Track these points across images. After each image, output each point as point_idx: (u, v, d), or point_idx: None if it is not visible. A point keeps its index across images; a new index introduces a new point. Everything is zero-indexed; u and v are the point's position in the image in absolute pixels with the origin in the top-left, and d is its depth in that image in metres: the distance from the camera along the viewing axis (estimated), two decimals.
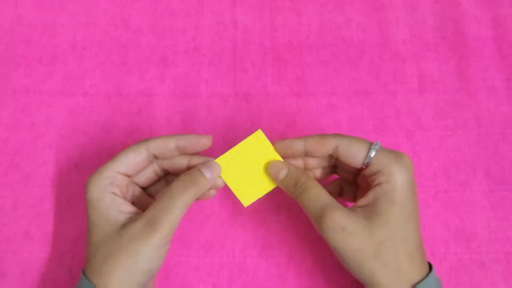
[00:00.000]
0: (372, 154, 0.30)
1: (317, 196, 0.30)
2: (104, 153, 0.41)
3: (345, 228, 0.28)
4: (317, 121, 0.43)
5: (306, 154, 0.33)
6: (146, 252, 0.29)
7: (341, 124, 0.43)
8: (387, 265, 0.28)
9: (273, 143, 0.34)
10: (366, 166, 0.31)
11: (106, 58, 0.45)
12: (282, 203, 0.40)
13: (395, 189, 0.29)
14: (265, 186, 0.35)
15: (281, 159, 0.34)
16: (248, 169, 0.34)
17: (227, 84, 0.44)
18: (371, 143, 0.30)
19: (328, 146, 0.31)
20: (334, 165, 0.35)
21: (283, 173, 0.32)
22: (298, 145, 0.32)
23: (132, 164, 0.32)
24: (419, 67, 0.45)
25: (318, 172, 0.35)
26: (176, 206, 0.30)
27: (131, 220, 0.30)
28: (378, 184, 0.30)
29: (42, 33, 0.45)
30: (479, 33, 0.46)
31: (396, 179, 0.29)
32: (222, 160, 0.34)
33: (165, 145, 0.32)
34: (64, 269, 0.38)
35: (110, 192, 0.31)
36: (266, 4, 0.47)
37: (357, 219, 0.29)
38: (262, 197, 0.39)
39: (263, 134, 0.34)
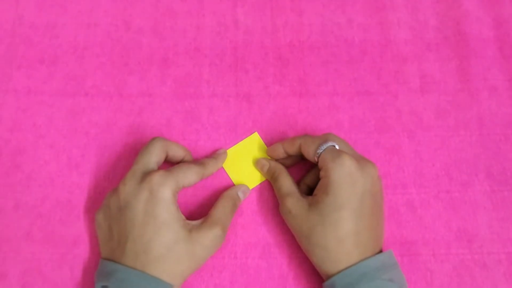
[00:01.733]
0: (319, 151, 0.35)
1: (282, 184, 0.37)
2: (106, 153, 0.41)
3: (291, 212, 0.35)
4: (318, 122, 0.43)
5: (288, 154, 0.39)
6: (208, 258, 0.35)
7: (342, 124, 0.43)
8: (316, 245, 0.34)
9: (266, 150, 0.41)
10: (318, 162, 0.35)
11: (107, 58, 0.45)
12: None
13: (329, 182, 0.33)
14: (258, 179, 0.41)
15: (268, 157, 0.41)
16: (245, 163, 0.41)
17: (228, 85, 0.44)
18: (324, 143, 0.35)
19: (296, 145, 0.37)
20: None
21: (266, 167, 0.40)
22: (279, 148, 0.39)
23: (191, 183, 0.36)
24: (421, 67, 0.45)
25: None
26: (229, 222, 0.37)
27: (194, 227, 0.34)
28: (321, 178, 0.35)
29: (43, 33, 0.45)
30: (481, 33, 0.46)
31: (330, 174, 0.33)
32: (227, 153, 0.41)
33: (212, 172, 0.39)
34: (65, 270, 0.38)
35: (176, 197, 0.34)
36: (267, 5, 0.47)
37: (302, 205, 0.35)
38: (263, 198, 0.40)
39: (259, 136, 0.42)
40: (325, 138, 0.36)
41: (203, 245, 0.34)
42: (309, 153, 0.36)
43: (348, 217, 0.33)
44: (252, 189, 0.41)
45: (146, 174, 0.34)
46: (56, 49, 0.45)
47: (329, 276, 0.33)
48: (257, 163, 0.41)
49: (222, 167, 0.41)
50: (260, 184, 0.41)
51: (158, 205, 0.33)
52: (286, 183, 0.37)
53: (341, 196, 0.33)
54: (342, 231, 0.33)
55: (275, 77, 0.44)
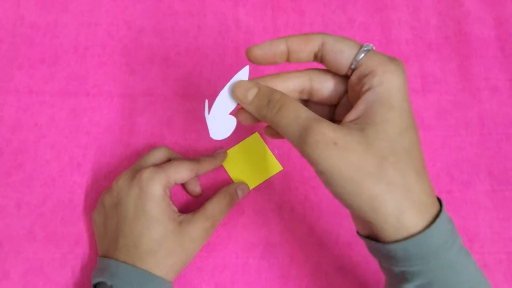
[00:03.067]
0: (362, 54, 0.25)
1: (297, 111, 0.25)
2: (107, 153, 0.41)
3: (337, 143, 0.23)
4: None
5: (289, 58, 0.28)
6: (198, 250, 0.35)
7: None
8: (392, 185, 0.23)
9: (248, 50, 0.29)
10: (355, 69, 0.26)
11: (108, 58, 0.45)
12: (285, 204, 0.40)
13: (391, 90, 0.24)
14: (259, 179, 0.41)
15: (274, 159, 0.41)
16: (246, 163, 0.41)
17: None
18: (362, 44, 0.26)
19: (313, 43, 0.27)
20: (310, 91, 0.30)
21: (252, 93, 0.28)
22: (280, 45, 0.28)
23: (184, 178, 0.36)
24: (422, 67, 0.45)
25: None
26: (222, 218, 0.37)
27: (185, 220, 0.35)
28: (370, 89, 0.25)
29: (44, 33, 0.45)
30: (482, 33, 0.46)
31: (391, 79, 0.24)
32: (228, 153, 0.41)
33: (208, 170, 0.38)
34: (67, 269, 0.38)
35: (167, 192, 0.35)
36: (268, 4, 0.47)
37: (351, 131, 0.24)
38: (264, 198, 0.40)
39: (260, 136, 0.42)
40: (353, 41, 0.26)
41: (192, 237, 0.34)
42: (344, 52, 0.26)
43: (417, 140, 0.25)
44: (253, 188, 0.41)
45: (137, 171, 0.35)
46: (57, 49, 0.45)
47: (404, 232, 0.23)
48: (237, 88, 0.29)
49: (223, 167, 0.41)
50: (261, 183, 0.41)
51: (148, 201, 0.33)
52: (303, 108, 0.25)
53: (408, 110, 0.24)
54: (417, 160, 0.24)
55: None
